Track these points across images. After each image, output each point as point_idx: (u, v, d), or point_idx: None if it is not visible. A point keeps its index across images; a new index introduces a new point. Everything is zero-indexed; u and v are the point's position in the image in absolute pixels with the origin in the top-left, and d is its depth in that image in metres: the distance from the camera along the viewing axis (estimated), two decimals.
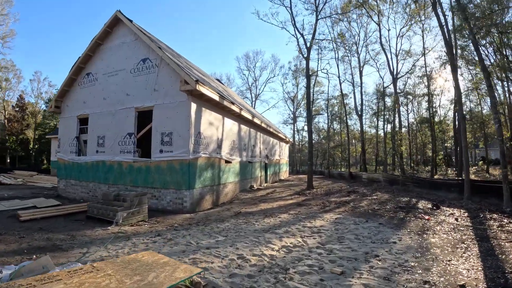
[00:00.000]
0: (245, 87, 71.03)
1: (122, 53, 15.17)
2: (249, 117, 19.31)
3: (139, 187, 13.86)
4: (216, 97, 13.98)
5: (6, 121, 45.55)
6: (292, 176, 41.30)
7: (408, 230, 8.78)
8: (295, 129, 64.99)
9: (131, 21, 14.93)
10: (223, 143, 15.95)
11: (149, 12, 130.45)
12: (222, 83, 32.50)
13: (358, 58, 39.09)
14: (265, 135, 25.96)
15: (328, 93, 46.33)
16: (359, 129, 43.56)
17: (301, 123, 66.26)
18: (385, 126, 42.82)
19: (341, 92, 40.72)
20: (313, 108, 54.15)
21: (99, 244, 7.54)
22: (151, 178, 13.61)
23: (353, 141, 54.95)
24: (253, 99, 67.31)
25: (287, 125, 67.63)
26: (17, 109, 44.20)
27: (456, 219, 10.36)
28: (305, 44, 22.08)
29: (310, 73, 22.02)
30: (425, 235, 8.23)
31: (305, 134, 66.53)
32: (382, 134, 46.55)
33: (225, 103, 15.13)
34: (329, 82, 60.83)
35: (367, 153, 43.61)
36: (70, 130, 17.20)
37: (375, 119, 47.50)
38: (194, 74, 14.60)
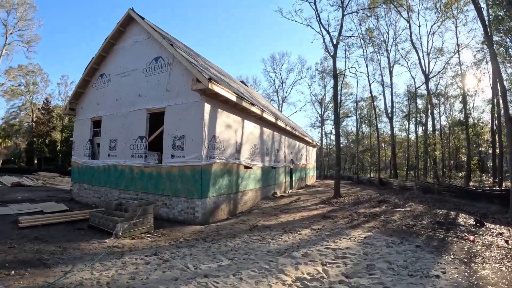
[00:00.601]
0: (272, 90, 69.14)
1: (135, 52, 14.25)
2: (272, 119, 17.92)
3: (149, 194, 12.87)
4: (233, 97, 12.75)
5: (34, 123, 46.54)
6: (319, 181, 39.33)
7: (452, 257, 7.15)
8: (323, 133, 62.36)
9: (143, 18, 14.02)
10: (242, 148, 14.70)
11: (175, 19, 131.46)
12: (246, 85, 31.39)
13: (388, 57, 36.90)
14: (290, 139, 24.40)
15: (356, 95, 44.02)
16: (389, 132, 41.45)
17: (329, 126, 63.74)
18: (417, 128, 40.28)
19: (371, 93, 38.34)
20: (341, 111, 52.25)
21: (87, 261, 6.59)
22: (162, 184, 12.57)
23: (383, 145, 52.30)
24: (280, 102, 65.37)
25: (314, 129, 65.21)
26: (44, 111, 44.97)
27: (507, 242, 8.61)
28: (332, 41, 20.46)
29: (337, 73, 20.39)
30: (473, 264, 6.62)
31: (333, 137, 63.91)
32: (412, 138, 44.22)
33: (244, 104, 13.85)
34: (357, 83, 58.10)
35: (397, 158, 40.96)
36: (84, 133, 16.51)
37: (405, 122, 45.08)
38: (210, 73, 13.52)
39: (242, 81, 31.57)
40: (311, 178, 34.60)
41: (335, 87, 20.13)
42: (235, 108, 13.95)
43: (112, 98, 14.99)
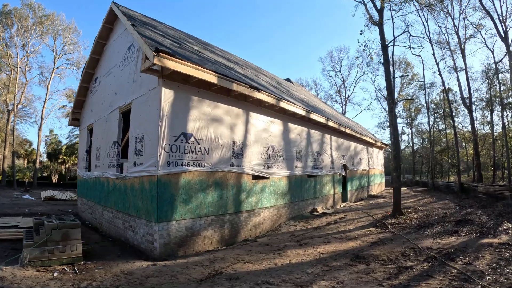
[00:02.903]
0: (334, 90, 59.27)
1: (117, 47, 10.61)
2: (299, 111, 12.18)
3: (120, 213, 8.95)
4: (210, 77, 7.82)
5: None
6: (388, 189, 31.16)
7: None
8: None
9: (117, 6, 10.19)
10: (246, 150, 9.68)
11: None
12: (291, 82, 25.72)
13: (457, 33, 26.85)
14: (340, 139, 17.97)
15: (424, 82, 32.17)
16: (468, 126, 31.92)
17: (400, 125, 53.19)
18: (504, 115, 28.93)
19: (440, 74, 26.99)
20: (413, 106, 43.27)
21: None
22: (127, 201, 8.43)
23: (463, 143, 40.92)
24: (343, 103, 54.89)
25: (384, 129, 53.07)
26: None
27: None
28: (375, 6, 13.86)
29: (387, 43, 14.11)
30: None
31: (405, 137, 52.06)
32: (497, 131, 33.38)
33: (237, 87, 8.69)
34: (423, 66, 44.32)
35: (481, 156, 29.52)
36: (83, 143, 13.53)
37: (487, 113, 34.04)
38: (200, 56, 9.31)
39: (288, 79, 26.10)
40: (377, 186, 26.74)
41: (385, 61, 13.62)
42: (230, 96, 9.15)
43: (99, 102, 11.59)
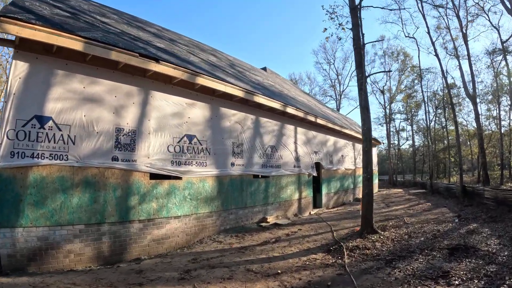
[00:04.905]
0: (328, 85, 55.87)
1: None
2: (235, 92, 10.13)
3: None
4: (72, 44, 6.30)
5: None
6: (382, 191, 27.67)
7: None
8: (391, 130, 46.29)
9: None
10: (142, 140, 7.89)
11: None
12: (265, 70, 23.52)
13: (457, 15, 23.25)
14: (312, 131, 15.61)
15: (420, 69, 29.43)
16: (472, 121, 29.62)
17: (398, 121, 48.81)
18: None
19: (436, 55, 22.12)
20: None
21: None
22: None
23: (469, 142, 36.64)
24: (338, 98, 51.99)
25: (382, 125, 49.36)
26: None
27: None
28: None
29: (356, 4, 11.26)
30: None
31: (403, 134, 49.62)
32: (505, 125, 30.62)
33: (117, 55, 6.98)
34: (418, 48, 35.71)
35: (487, 155, 26.37)
36: None
37: (493, 107, 31.11)
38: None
39: (264, 68, 24.05)
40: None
41: (354, 25, 10.60)
42: (117, 69, 7.52)
43: None
